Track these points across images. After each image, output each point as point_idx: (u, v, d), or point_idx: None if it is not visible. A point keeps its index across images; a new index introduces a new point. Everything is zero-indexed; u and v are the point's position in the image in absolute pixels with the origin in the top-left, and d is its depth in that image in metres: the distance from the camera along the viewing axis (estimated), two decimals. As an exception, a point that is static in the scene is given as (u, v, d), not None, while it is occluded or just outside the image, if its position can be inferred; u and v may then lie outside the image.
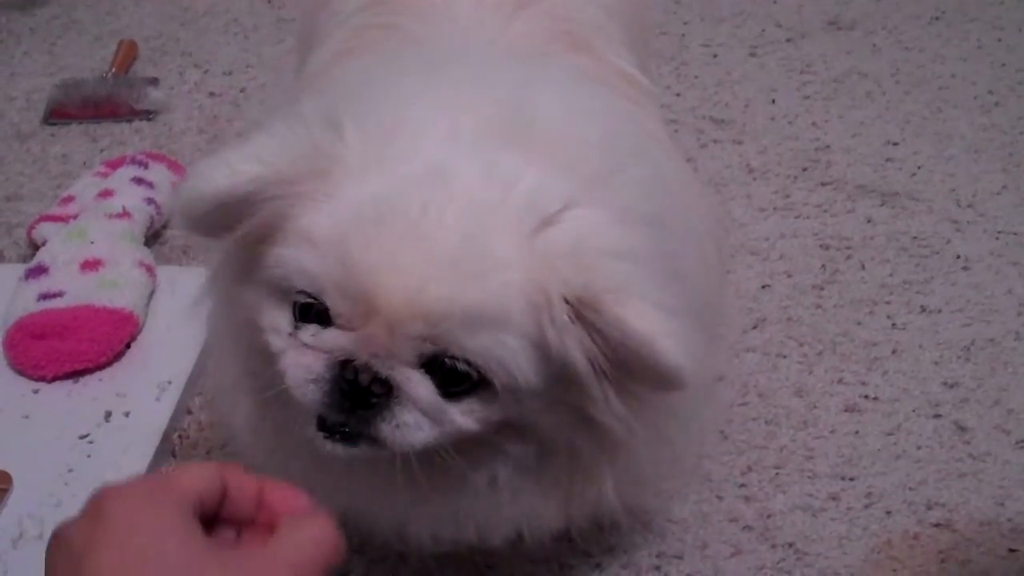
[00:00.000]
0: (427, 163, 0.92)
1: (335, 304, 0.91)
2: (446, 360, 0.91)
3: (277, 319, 0.96)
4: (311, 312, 0.93)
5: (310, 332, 0.93)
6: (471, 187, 0.91)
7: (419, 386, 0.92)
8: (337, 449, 0.95)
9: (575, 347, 0.90)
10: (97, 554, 0.68)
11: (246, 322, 0.99)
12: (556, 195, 0.91)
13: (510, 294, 0.89)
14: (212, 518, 0.75)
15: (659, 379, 0.91)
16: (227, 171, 0.92)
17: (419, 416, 0.93)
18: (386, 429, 0.93)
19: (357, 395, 0.92)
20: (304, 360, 0.93)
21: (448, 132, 0.94)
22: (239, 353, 1.06)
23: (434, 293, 0.88)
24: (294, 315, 0.94)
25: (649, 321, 0.89)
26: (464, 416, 0.94)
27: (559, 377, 0.92)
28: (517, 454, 1.01)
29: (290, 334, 0.95)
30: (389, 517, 1.10)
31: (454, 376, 0.92)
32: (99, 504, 0.71)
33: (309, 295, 0.92)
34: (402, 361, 0.91)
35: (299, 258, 0.92)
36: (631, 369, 0.91)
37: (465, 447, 0.97)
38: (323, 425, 0.95)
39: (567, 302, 0.89)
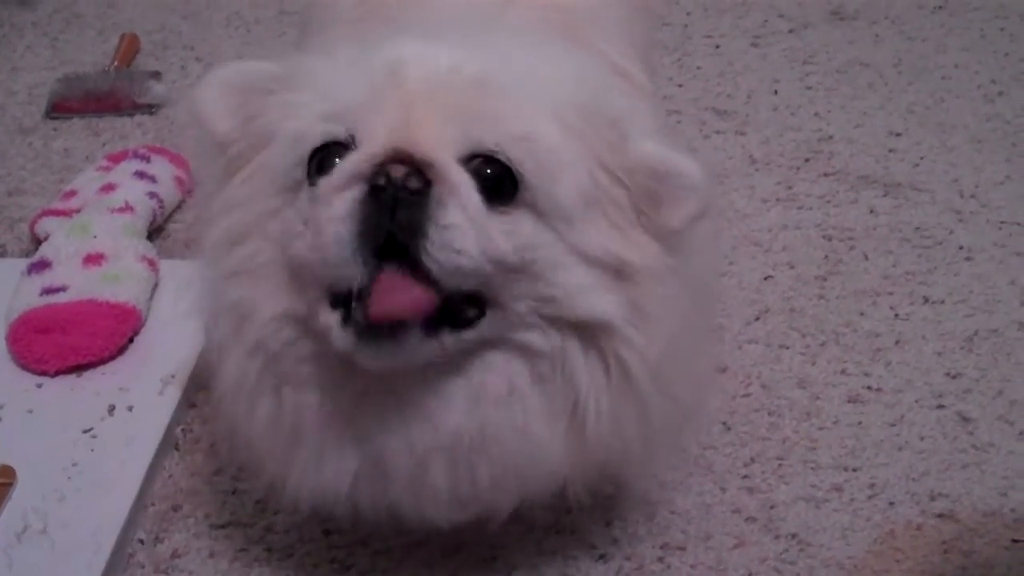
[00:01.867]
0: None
1: (360, 121, 0.90)
2: (485, 160, 0.90)
3: (294, 213, 0.94)
4: (327, 166, 0.91)
5: (334, 170, 0.90)
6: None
7: (461, 177, 0.88)
8: (384, 353, 0.91)
9: (618, 167, 0.95)
10: None
11: (254, 285, 0.99)
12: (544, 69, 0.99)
13: (548, 98, 0.93)
14: None
15: (678, 192, 0.96)
16: (242, 64, 1.00)
17: (464, 218, 0.88)
18: (432, 233, 0.87)
19: (393, 204, 0.86)
20: (330, 210, 0.88)
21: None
22: (249, 340, 1.01)
23: (470, 68, 0.91)
24: (308, 180, 0.92)
25: (668, 151, 0.97)
26: (505, 235, 0.90)
27: (590, 201, 0.94)
28: (539, 348, 0.97)
29: (308, 211, 0.91)
30: (393, 495, 1.05)
31: (494, 180, 0.90)
32: None
33: (329, 141, 0.91)
34: (443, 150, 0.89)
35: (313, 110, 0.93)
36: (661, 200, 0.96)
37: (483, 352, 0.96)
38: (360, 329, 0.90)
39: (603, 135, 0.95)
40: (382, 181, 0.86)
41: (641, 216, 0.97)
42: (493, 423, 1.00)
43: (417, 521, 1.09)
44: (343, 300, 0.92)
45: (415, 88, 0.90)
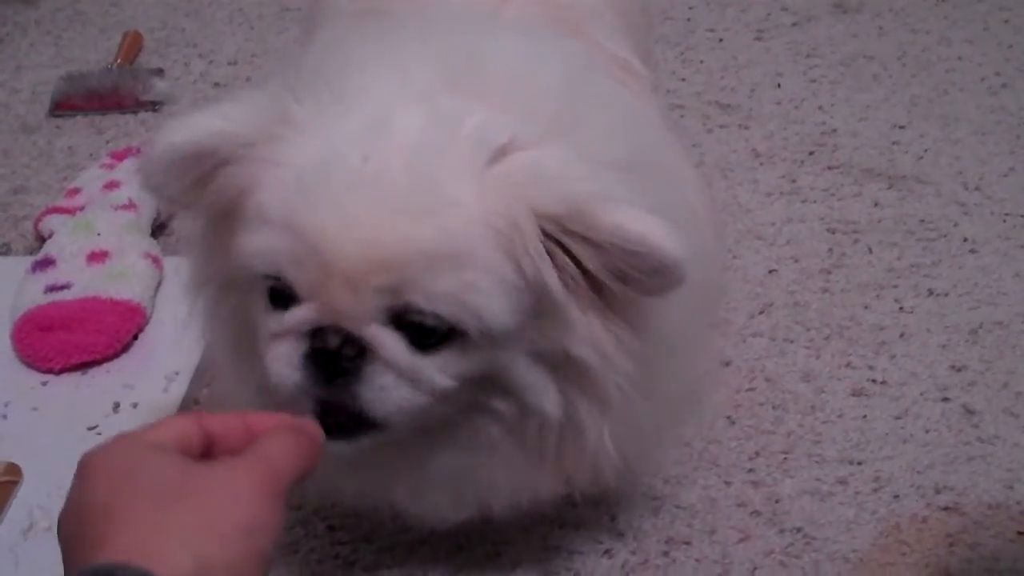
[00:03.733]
0: (367, 117, 0.92)
1: (293, 276, 0.91)
2: (413, 315, 0.90)
3: (259, 316, 0.96)
4: (281, 297, 0.93)
5: (276, 319, 0.93)
6: (413, 132, 0.91)
7: (389, 342, 0.91)
8: (340, 447, 0.95)
9: (551, 272, 0.90)
10: (90, 488, 0.74)
11: (247, 330, 1.00)
12: (505, 128, 0.91)
13: (469, 230, 0.88)
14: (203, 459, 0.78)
15: (659, 275, 0.90)
16: (189, 125, 0.94)
17: (396, 377, 0.92)
18: (367, 393, 0.92)
19: (331, 365, 0.91)
20: (280, 349, 0.93)
21: (395, 87, 0.94)
22: (243, 370, 1.05)
23: (388, 238, 0.87)
24: (267, 305, 0.94)
25: (642, 220, 0.88)
26: (440, 372, 0.93)
27: (534, 312, 0.92)
28: (504, 411, 0.99)
29: (266, 324, 0.95)
30: (395, 497, 1.10)
31: (423, 331, 0.91)
32: (83, 463, 0.77)
33: (271, 276, 0.92)
34: (369, 320, 0.90)
35: (255, 239, 0.92)
36: (627, 275, 0.90)
37: (452, 411, 0.97)
38: (315, 410, 0.94)
39: (542, 224, 0.88)
40: (319, 345, 0.91)
41: (598, 301, 0.94)
42: (476, 466, 1.04)
43: (419, 521, 1.14)
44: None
45: (338, 264, 0.89)
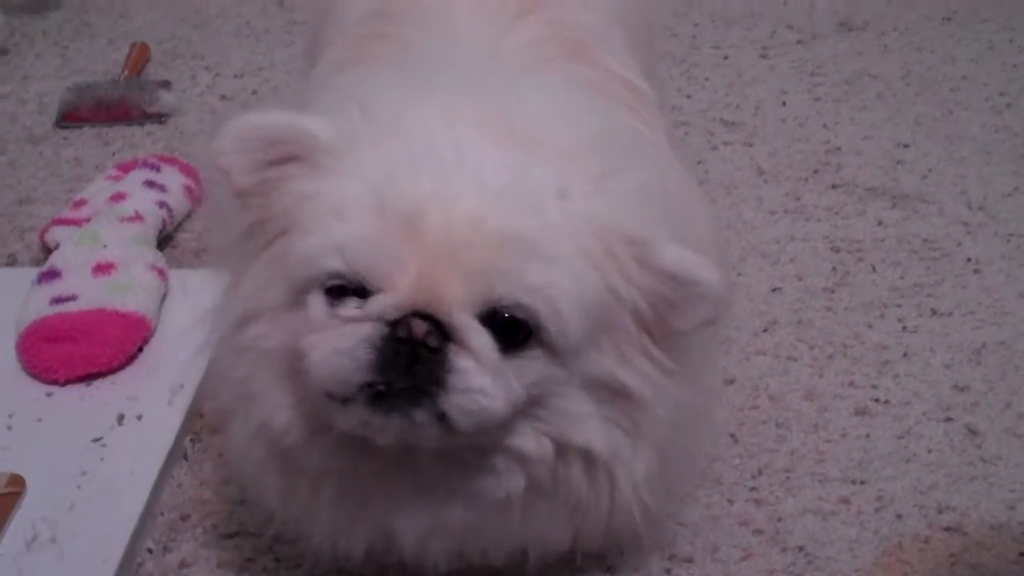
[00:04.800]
0: (443, 139, 0.94)
1: (372, 266, 0.90)
2: (502, 307, 0.90)
3: (306, 319, 0.94)
4: (344, 296, 0.92)
5: (353, 305, 0.92)
6: (493, 156, 0.94)
7: (479, 333, 0.90)
8: (390, 422, 0.92)
9: (628, 293, 0.94)
10: None
11: (265, 365, 1.00)
12: (562, 178, 0.95)
13: (563, 232, 0.92)
14: None
15: (709, 303, 0.96)
16: (268, 113, 0.97)
17: (477, 373, 0.90)
18: (452, 384, 0.90)
19: (411, 355, 0.89)
20: (347, 332, 0.91)
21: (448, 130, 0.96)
22: (255, 417, 1.04)
23: (490, 219, 0.89)
24: (328, 303, 0.93)
25: (687, 256, 0.95)
26: (515, 379, 0.93)
27: (599, 335, 0.95)
28: (533, 456, 0.99)
29: (324, 324, 0.92)
30: (401, 543, 1.08)
31: (509, 327, 0.91)
32: None
33: (340, 275, 0.91)
34: (460, 306, 0.90)
35: (330, 234, 0.91)
36: (682, 305, 0.95)
37: (485, 452, 0.98)
38: (373, 390, 0.91)
39: (623, 249, 0.93)
40: (404, 333, 0.89)
41: (648, 335, 0.98)
42: (490, 522, 1.04)
43: (417, 569, 1.13)
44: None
45: (434, 243, 0.89)
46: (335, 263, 0.91)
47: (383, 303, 0.90)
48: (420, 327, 0.89)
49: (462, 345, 0.90)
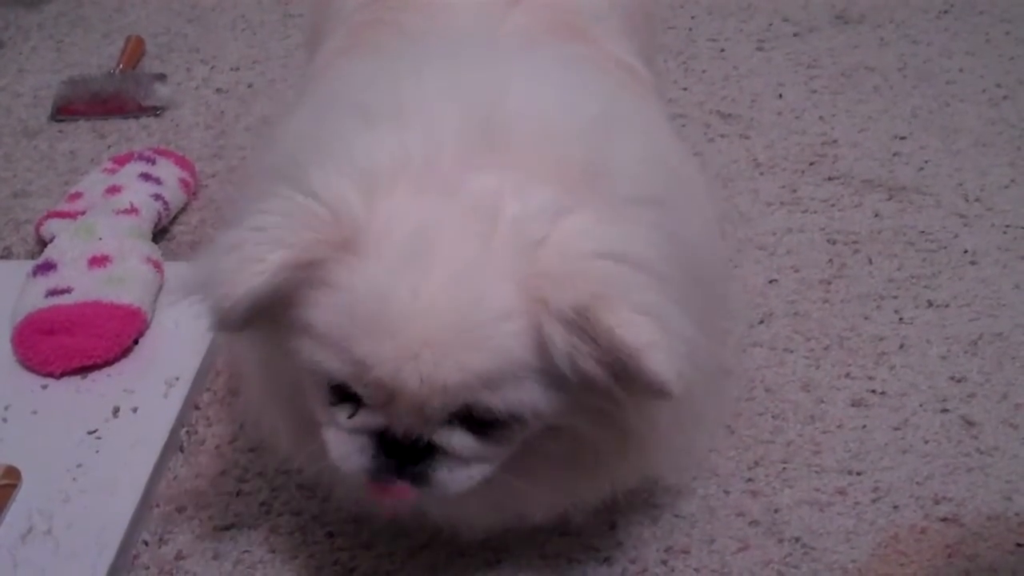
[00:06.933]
0: (409, 232, 0.90)
1: (359, 390, 0.94)
2: (476, 413, 0.94)
3: (316, 393, 0.99)
4: (343, 393, 0.96)
5: (345, 414, 0.97)
6: (455, 245, 0.90)
7: (456, 440, 0.96)
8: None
9: (587, 359, 0.90)
10: None
11: (290, 376, 1.01)
12: (542, 213, 0.91)
13: (520, 343, 0.90)
14: None
15: (647, 388, 0.90)
16: (257, 266, 0.90)
17: (463, 464, 0.98)
18: (439, 480, 0.98)
19: (402, 454, 0.96)
20: (343, 437, 0.98)
21: (425, 158, 0.93)
22: (286, 411, 1.08)
23: (447, 367, 0.90)
24: (329, 398, 0.97)
25: (636, 331, 0.88)
26: (501, 446, 0.98)
27: (582, 388, 0.93)
28: (551, 452, 1.02)
29: (328, 411, 0.98)
30: (431, 507, 1.13)
31: (485, 420, 0.95)
32: None
33: (338, 381, 0.95)
34: (434, 427, 0.95)
35: (314, 353, 0.94)
36: (624, 375, 0.90)
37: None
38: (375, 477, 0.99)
39: (565, 315, 0.88)
40: (391, 438, 0.96)
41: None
42: (523, 482, 1.04)
43: (456, 533, 1.19)
44: None
45: (402, 389, 0.91)
46: (327, 377, 0.95)
47: (369, 421, 0.96)
48: (406, 440, 0.96)
49: (443, 446, 0.96)
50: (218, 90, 2.09)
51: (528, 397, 0.92)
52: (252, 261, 0.90)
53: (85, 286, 1.53)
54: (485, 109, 0.96)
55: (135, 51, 2.18)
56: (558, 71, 1.08)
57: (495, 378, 0.91)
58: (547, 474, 1.05)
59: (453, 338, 0.89)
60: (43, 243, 1.65)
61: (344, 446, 0.98)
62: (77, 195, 1.73)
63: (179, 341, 1.49)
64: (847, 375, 1.48)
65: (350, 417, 0.97)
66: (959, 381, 1.47)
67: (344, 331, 0.91)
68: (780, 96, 2.04)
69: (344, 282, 0.91)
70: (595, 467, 1.06)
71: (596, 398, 0.95)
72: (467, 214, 0.91)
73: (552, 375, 0.91)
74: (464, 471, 0.98)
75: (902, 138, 1.92)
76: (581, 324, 0.88)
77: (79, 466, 1.33)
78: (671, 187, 1.05)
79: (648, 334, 0.88)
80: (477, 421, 0.94)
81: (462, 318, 0.89)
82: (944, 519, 1.29)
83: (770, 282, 1.62)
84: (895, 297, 1.60)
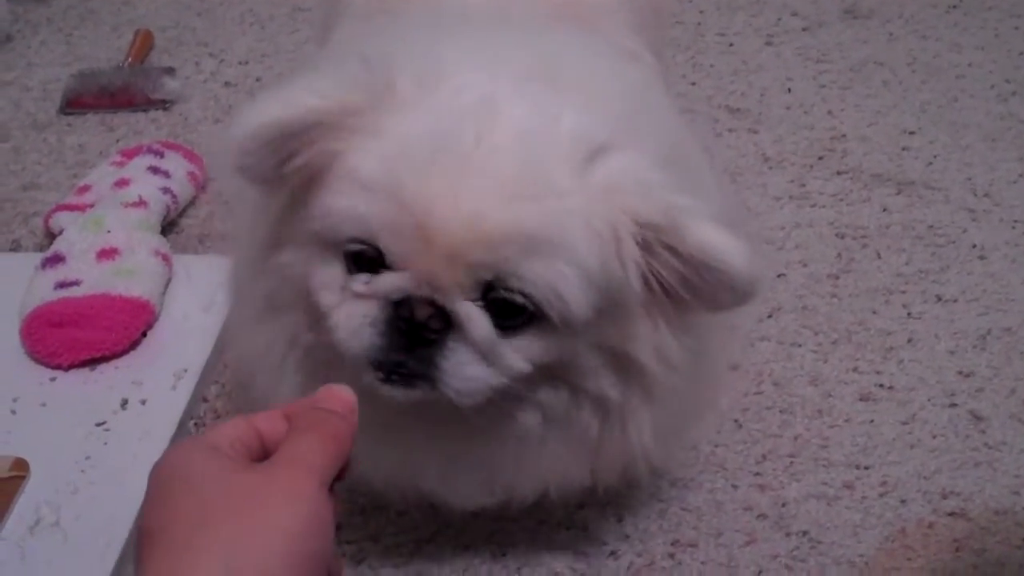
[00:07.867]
0: (476, 95, 0.93)
1: (389, 243, 0.91)
2: (503, 292, 0.91)
3: (327, 275, 0.96)
4: (363, 260, 0.93)
5: (363, 280, 0.94)
6: (520, 118, 0.92)
7: (477, 319, 0.92)
8: (395, 392, 0.96)
9: (637, 278, 0.93)
10: (145, 510, 0.79)
11: (290, 286, 1.00)
12: (597, 131, 0.93)
13: (569, 221, 0.90)
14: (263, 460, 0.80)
15: (732, 292, 0.94)
16: (284, 102, 0.92)
17: (477, 354, 0.93)
18: (445, 365, 0.93)
19: (414, 334, 0.93)
20: (357, 309, 0.94)
21: (490, 75, 0.95)
22: (279, 326, 1.05)
23: (494, 218, 0.89)
24: (346, 267, 0.95)
25: (724, 239, 0.92)
26: (516, 355, 0.95)
27: (609, 309, 0.94)
28: (548, 402, 1.02)
29: (342, 288, 0.95)
30: (424, 481, 1.12)
31: (509, 309, 0.92)
32: (150, 475, 0.80)
33: (360, 241, 0.92)
34: (460, 293, 0.92)
35: (349, 202, 0.92)
36: (703, 289, 0.94)
37: (497, 398, 0.98)
38: (380, 368, 0.95)
39: (638, 232, 0.91)
40: (407, 314, 0.92)
41: (661, 315, 0.97)
42: (508, 456, 1.06)
43: (446, 504, 1.16)
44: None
45: (439, 239, 0.90)
46: (356, 231, 0.93)
47: (389, 283, 0.92)
48: (423, 312, 0.92)
49: (461, 332, 0.93)
50: (227, 84, 2.09)
51: (562, 283, 0.91)
52: (279, 99, 0.93)
53: (94, 279, 1.53)
54: (542, 60, 0.99)
55: (144, 45, 2.18)
56: (597, 43, 1.12)
57: (536, 243, 0.90)
58: (533, 448, 1.05)
59: (511, 186, 0.89)
60: (52, 236, 1.65)
61: (355, 320, 0.94)
62: (86, 188, 1.73)
63: (188, 334, 1.49)
64: (855, 369, 1.48)
65: (367, 283, 0.94)
66: (967, 376, 1.46)
67: (393, 173, 0.90)
68: (789, 91, 2.03)
69: (398, 128, 0.92)
70: (580, 444, 1.06)
71: (616, 328, 0.96)
72: (531, 101, 0.94)
73: (589, 278, 0.91)
74: (473, 368, 0.94)
75: (911, 133, 1.92)
76: (663, 238, 0.92)
77: (87, 458, 1.34)
78: (688, 158, 1.07)
79: (731, 239, 0.92)
80: (502, 309, 0.92)
81: (524, 171, 0.90)
82: (952, 514, 1.29)
83: (778, 276, 1.62)
84: (903, 292, 1.60)
